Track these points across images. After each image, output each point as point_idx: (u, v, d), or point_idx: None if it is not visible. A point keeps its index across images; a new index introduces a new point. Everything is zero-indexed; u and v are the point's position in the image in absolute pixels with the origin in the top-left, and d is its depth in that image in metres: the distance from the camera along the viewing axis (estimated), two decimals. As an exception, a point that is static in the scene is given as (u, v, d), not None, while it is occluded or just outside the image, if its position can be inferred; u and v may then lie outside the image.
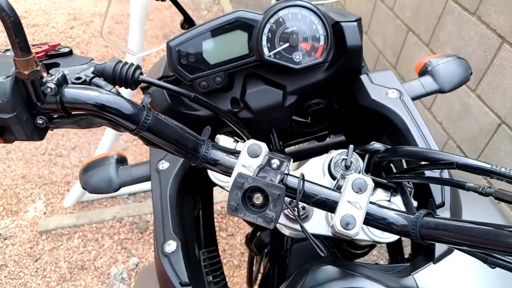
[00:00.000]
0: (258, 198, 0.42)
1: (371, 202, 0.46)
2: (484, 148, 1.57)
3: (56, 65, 0.47)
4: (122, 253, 1.87)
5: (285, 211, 0.57)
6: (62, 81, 0.41)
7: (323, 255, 0.43)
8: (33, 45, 0.48)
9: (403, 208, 0.53)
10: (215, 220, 1.82)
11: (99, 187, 0.70)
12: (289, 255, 0.69)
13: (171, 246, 0.59)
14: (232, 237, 1.93)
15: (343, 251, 0.71)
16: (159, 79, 0.67)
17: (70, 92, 0.41)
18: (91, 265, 1.82)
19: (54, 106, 0.41)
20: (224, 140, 0.63)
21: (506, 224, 0.36)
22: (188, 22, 0.71)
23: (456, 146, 1.72)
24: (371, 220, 0.45)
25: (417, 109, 0.62)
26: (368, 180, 0.45)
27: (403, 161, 0.60)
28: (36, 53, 0.42)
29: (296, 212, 0.45)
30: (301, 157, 0.95)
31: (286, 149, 0.90)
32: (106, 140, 1.98)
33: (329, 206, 0.47)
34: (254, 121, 0.68)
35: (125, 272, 1.80)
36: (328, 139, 0.90)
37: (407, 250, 0.66)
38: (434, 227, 0.41)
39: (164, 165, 0.67)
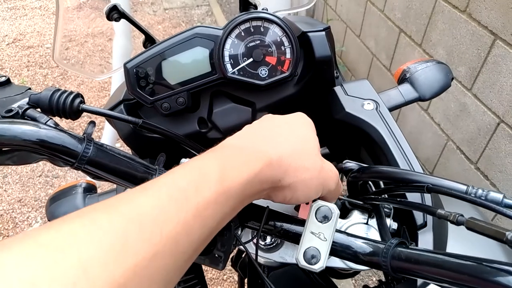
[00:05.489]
0: (207, 236, 0.37)
1: (338, 231, 0.42)
2: (485, 148, 1.51)
3: None
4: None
5: (254, 240, 0.53)
6: None
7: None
8: None
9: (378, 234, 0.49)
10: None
11: (66, 219, 0.66)
12: (266, 284, 0.64)
13: None
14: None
15: (326, 275, 0.66)
16: (120, 102, 0.63)
17: None
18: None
19: None
20: (189, 165, 0.59)
21: (488, 259, 0.31)
22: (150, 41, 0.68)
23: (456, 147, 1.66)
24: (338, 250, 0.41)
25: (395, 120, 0.58)
26: (333, 207, 0.41)
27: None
28: None
29: (255, 248, 0.40)
30: None
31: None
32: None
33: (293, 237, 0.42)
34: None
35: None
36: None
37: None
38: (405, 259, 0.37)
39: None
